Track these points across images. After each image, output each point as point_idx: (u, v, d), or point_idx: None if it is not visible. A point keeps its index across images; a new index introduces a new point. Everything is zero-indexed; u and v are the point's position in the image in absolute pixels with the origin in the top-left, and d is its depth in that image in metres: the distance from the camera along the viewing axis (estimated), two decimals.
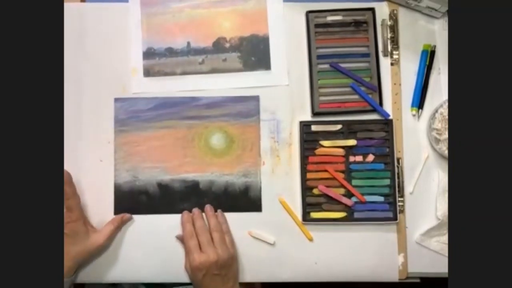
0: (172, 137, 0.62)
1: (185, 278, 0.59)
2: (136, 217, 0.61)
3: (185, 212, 0.60)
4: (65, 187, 0.56)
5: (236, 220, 0.60)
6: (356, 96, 0.62)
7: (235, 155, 0.61)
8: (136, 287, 0.66)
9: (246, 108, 0.62)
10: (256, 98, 0.62)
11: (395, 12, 0.64)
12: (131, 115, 0.62)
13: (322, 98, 0.62)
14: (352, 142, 0.61)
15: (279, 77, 0.63)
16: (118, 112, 0.62)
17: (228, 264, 0.56)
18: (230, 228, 0.60)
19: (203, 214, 0.60)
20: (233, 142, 0.62)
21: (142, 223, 0.60)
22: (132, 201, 0.61)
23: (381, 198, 0.60)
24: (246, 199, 0.61)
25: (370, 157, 0.61)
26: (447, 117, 0.60)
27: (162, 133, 0.62)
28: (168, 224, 0.60)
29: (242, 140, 0.62)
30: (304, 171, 0.61)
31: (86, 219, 0.59)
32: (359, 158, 0.61)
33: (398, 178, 0.61)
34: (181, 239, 0.59)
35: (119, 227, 0.59)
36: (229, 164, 0.61)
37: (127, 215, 0.60)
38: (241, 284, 0.59)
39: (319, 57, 0.63)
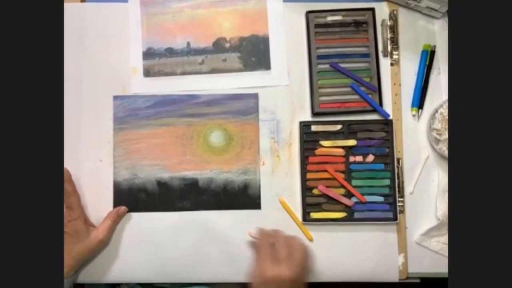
0: (171, 134, 0.62)
1: (184, 278, 0.59)
2: (135, 214, 0.61)
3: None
4: (65, 185, 0.56)
5: (235, 218, 0.60)
6: (356, 96, 0.62)
7: (234, 153, 0.61)
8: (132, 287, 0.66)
9: (245, 106, 0.62)
10: (254, 96, 0.62)
11: (395, 12, 0.64)
12: (130, 113, 0.62)
13: (322, 98, 0.62)
14: (352, 142, 0.61)
15: (279, 77, 0.63)
16: (117, 109, 0.62)
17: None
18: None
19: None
20: (232, 139, 0.61)
21: (141, 221, 0.60)
22: (131, 198, 0.61)
23: (381, 198, 0.60)
24: (245, 197, 0.61)
25: (370, 157, 0.61)
26: (447, 117, 0.60)
27: (161, 131, 0.62)
28: (167, 222, 0.60)
29: (241, 138, 0.62)
30: (304, 171, 0.61)
31: (87, 217, 0.59)
32: (359, 158, 0.61)
33: (398, 178, 0.61)
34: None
35: (116, 221, 0.59)
36: (228, 162, 0.61)
37: (122, 208, 0.60)
38: (241, 284, 0.59)
39: (319, 57, 0.63)
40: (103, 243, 0.58)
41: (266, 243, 0.55)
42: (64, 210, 0.56)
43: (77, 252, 0.55)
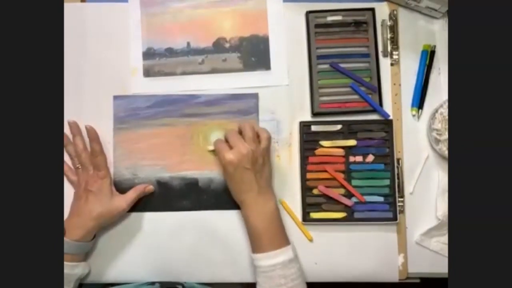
0: (172, 134, 0.62)
1: (184, 278, 0.59)
2: (135, 214, 0.60)
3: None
4: (93, 144, 0.57)
5: (235, 218, 0.60)
6: (356, 96, 0.62)
7: None
8: None
9: (245, 106, 0.62)
10: (255, 96, 0.62)
11: (395, 12, 0.64)
12: (130, 113, 0.62)
13: (322, 98, 0.62)
14: (352, 142, 0.61)
15: (279, 77, 0.63)
16: (117, 109, 0.62)
17: (260, 163, 0.55)
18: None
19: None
20: None
21: (141, 221, 0.60)
22: None
23: (381, 198, 0.60)
24: None
25: (370, 157, 0.61)
26: (447, 117, 0.60)
27: (161, 131, 0.62)
28: (167, 222, 0.60)
29: None
30: (304, 171, 0.61)
31: (112, 180, 0.59)
32: (359, 158, 0.61)
33: (398, 178, 0.61)
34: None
35: (139, 196, 0.59)
36: None
37: (150, 187, 0.60)
38: (241, 284, 0.59)
39: (319, 57, 0.63)
40: (123, 213, 0.58)
41: (217, 141, 0.57)
42: (91, 169, 0.57)
43: (98, 214, 0.55)
